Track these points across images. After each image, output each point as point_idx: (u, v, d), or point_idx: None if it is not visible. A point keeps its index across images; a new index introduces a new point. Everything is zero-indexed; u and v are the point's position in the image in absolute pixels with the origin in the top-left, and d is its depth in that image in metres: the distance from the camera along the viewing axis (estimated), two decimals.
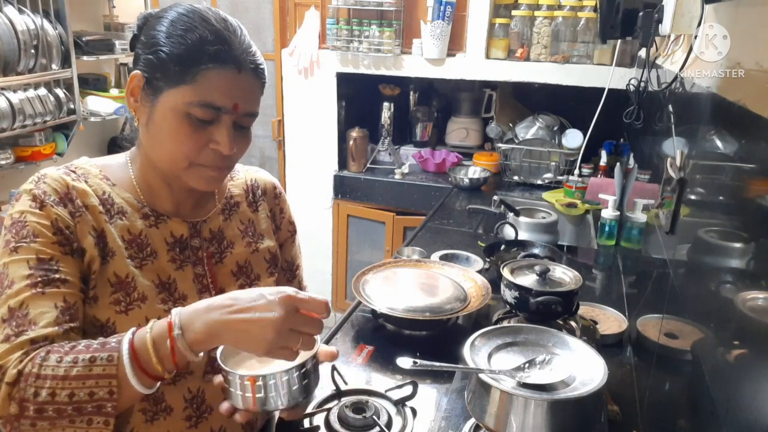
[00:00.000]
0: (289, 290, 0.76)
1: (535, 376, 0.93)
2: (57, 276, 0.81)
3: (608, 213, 2.08)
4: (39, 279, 0.80)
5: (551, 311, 1.23)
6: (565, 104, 2.90)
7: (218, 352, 0.85)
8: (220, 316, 0.75)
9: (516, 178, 2.87)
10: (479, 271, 1.67)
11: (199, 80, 0.83)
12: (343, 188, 3.21)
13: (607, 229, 2.09)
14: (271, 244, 1.10)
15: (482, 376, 0.92)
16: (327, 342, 1.44)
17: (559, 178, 2.77)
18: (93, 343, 0.76)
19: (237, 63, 0.84)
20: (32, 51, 2.38)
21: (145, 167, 0.94)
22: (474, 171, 2.98)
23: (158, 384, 0.79)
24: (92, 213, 0.87)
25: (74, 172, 0.90)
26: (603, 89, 2.48)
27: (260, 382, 0.81)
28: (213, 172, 0.89)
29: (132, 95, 0.88)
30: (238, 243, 1.03)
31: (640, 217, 1.85)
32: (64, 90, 2.56)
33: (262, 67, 0.90)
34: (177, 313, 0.76)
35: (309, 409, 1.15)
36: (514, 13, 2.75)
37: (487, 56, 2.83)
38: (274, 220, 1.15)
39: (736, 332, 0.76)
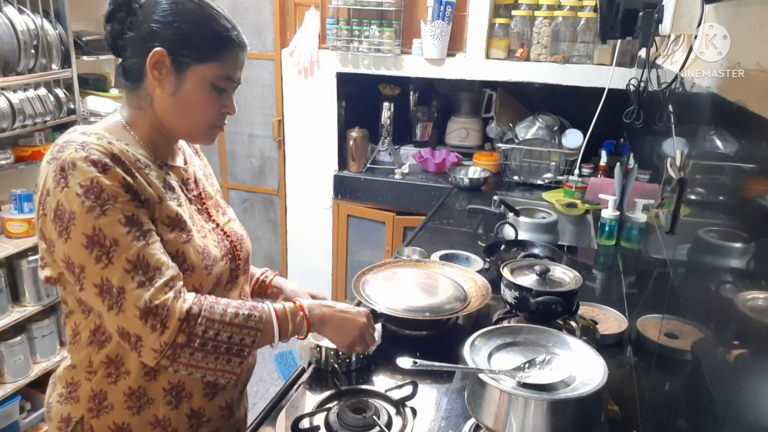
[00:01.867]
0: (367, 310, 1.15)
1: (535, 376, 0.93)
2: (146, 228, 0.94)
3: (608, 213, 2.08)
4: (138, 233, 0.92)
5: (551, 311, 1.23)
6: (565, 104, 2.90)
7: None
8: (329, 310, 1.10)
9: (516, 178, 2.87)
10: (479, 271, 1.67)
11: (224, 58, 1.02)
12: (343, 188, 3.21)
13: (607, 229, 2.09)
14: (218, 185, 1.27)
15: (482, 376, 0.92)
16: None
17: (559, 178, 2.77)
18: (244, 305, 0.99)
19: (244, 45, 1.06)
20: (32, 51, 2.37)
21: (150, 128, 1.04)
22: (474, 171, 2.98)
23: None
24: (136, 168, 0.97)
25: (96, 134, 0.96)
26: (603, 89, 2.48)
27: None
28: (219, 131, 1.09)
29: (155, 69, 0.98)
30: (206, 184, 1.18)
31: (640, 217, 1.85)
32: (64, 90, 2.56)
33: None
34: (305, 303, 1.08)
35: (309, 409, 1.15)
36: (514, 13, 2.74)
37: (487, 56, 2.82)
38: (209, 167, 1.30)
39: (736, 332, 0.76)
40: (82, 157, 0.91)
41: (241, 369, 0.99)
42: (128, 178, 0.93)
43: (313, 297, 1.32)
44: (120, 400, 1.02)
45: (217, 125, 1.07)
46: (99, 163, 0.91)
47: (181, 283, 0.95)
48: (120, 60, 1.03)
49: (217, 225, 1.13)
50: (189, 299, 0.93)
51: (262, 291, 1.34)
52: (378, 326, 1.26)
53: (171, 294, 0.91)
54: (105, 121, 1.04)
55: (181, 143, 1.16)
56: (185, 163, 1.13)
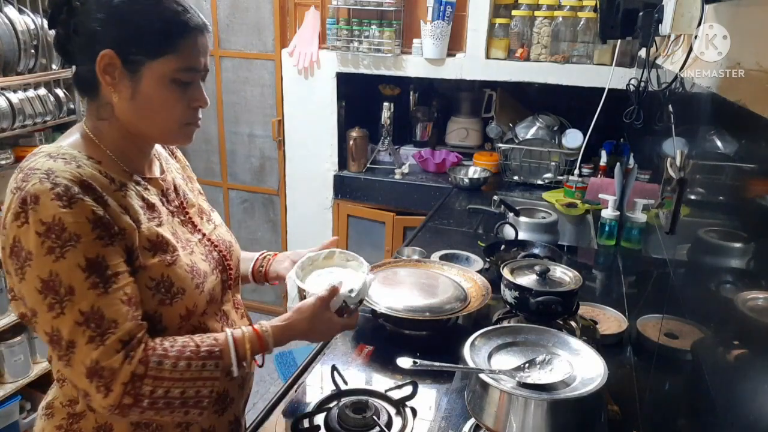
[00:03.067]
0: (340, 326, 1.10)
1: (535, 376, 0.93)
2: (109, 272, 0.86)
3: (608, 213, 2.08)
4: (97, 280, 0.84)
5: (551, 311, 1.23)
6: (565, 104, 2.90)
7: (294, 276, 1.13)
8: (299, 338, 1.04)
9: (516, 178, 2.87)
10: (479, 271, 1.67)
11: (179, 48, 0.90)
12: (343, 188, 3.21)
13: (607, 229, 2.09)
14: (199, 187, 1.19)
15: (482, 376, 0.92)
16: (327, 342, 1.44)
17: (559, 178, 2.77)
18: (200, 350, 0.92)
19: (200, 27, 0.94)
20: (32, 51, 2.37)
21: (118, 137, 0.95)
22: (474, 171, 2.98)
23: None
24: (109, 193, 0.89)
25: (67, 159, 0.88)
26: (603, 89, 2.48)
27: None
28: (195, 127, 0.99)
29: (106, 73, 0.89)
30: (186, 190, 1.11)
31: (640, 217, 1.85)
32: (64, 90, 2.56)
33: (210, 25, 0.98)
34: (271, 337, 1.00)
35: (309, 409, 1.15)
36: (514, 13, 2.74)
37: (487, 56, 2.82)
38: (188, 169, 1.21)
39: (736, 332, 0.76)
40: (46, 189, 0.82)
41: (202, 417, 0.94)
42: (98, 210, 0.85)
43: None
44: (126, 430, 0.97)
45: (190, 122, 0.97)
46: (65, 196, 0.82)
47: (140, 334, 0.87)
48: (74, 68, 0.94)
49: (204, 235, 1.06)
50: (136, 358, 0.85)
51: (262, 279, 1.27)
52: (364, 278, 1.14)
53: (120, 355, 0.84)
54: (71, 136, 0.95)
55: (157, 147, 1.08)
56: (162, 171, 1.05)
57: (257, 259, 1.27)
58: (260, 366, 1.06)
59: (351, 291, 1.09)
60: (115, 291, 0.86)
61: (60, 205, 0.82)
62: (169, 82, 0.91)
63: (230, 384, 1.06)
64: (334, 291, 1.07)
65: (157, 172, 1.04)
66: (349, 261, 1.24)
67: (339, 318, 1.08)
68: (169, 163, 1.11)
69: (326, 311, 1.06)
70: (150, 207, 0.96)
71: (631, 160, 2.35)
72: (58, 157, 0.88)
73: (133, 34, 0.89)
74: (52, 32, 0.94)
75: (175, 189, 1.06)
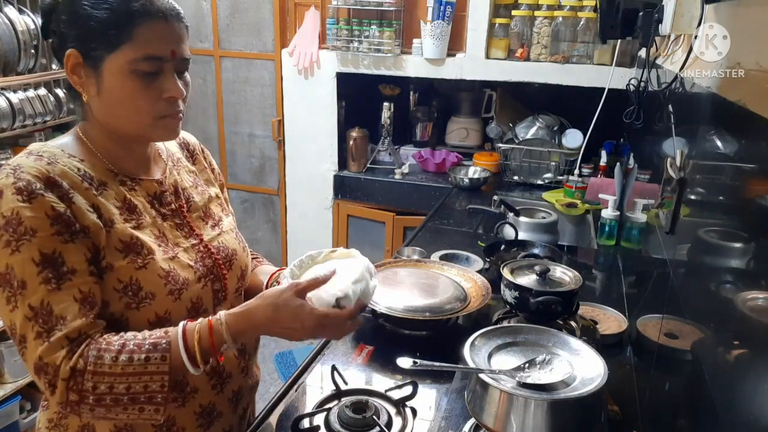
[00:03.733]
0: (316, 319, 0.92)
1: (535, 376, 0.93)
2: (64, 269, 0.84)
3: (608, 213, 2.08)
4: (50, 275, 0.83)
5: (551, 311, 1.23)
6: (565, 104, 2.90)
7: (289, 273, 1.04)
8: (265, 331, 0.94)
9: (516, 178, 2.87)
10: (479, 271, 1.67)
11: (135, 37, 0.88)
12: (343, 188, 3.21)
13: (607, 229, 2.09)
14: (217, 191, 1.16)
15: (482, 376, 0.92)
16: (327, 342, 1.44)
17: (559, 178, 2.77)
18: (144, 343, 0.86)
19: (162, 13, 0.90)
20: (32, 51, 2.38)
21: (103, 137, 0.96)
22: (474, 171, 2.98)
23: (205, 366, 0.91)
24: (79, 191, 0.89)
25: (42, 156, 0.89)
26: (603, 89, 2.48)
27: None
28: (173, 120, 0.95)
29: (74, 73, 0.91)
30: (194, 193, 1.09)
31: (640, 217, 1.85)
32: (64, 90, 2.56)
33: (182, 13, 0.95)
34: (224, 326, 0.89)
35: (309, 409, 1.15)
36: (514, 13, 2.74)
37: (487, 56, 2.82)
38: (212, 172, 1.20)
39: (736, 332, 0.76)
40: (9, 183, 0.83)
41: (162, 416, 0.88)
42: (59, 206, 0.84)
43: None
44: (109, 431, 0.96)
45: (167, 114, 0.93)
46: (25, 191, 0.83)
47: (93, 332, 0.86)
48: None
49: (201, 240, 1.03)
50: (77, 353, 0.83)
51: None
52: (371, 282, 1.03)
53: (63, 351, 0.82)
54: (65, 136, 0.97)
55: (171, 148, 1.09)
56: (163, 173, 1.04)
57: (273, 273, 1.21)
58: (217, 363, 0.99)
59: (343, 294, 0.95)
60: (69, 288, 0.85)
61: (19, 200, 0.83)
62: (130, 73, 0.89)
63: (218, 397, 1.04)
64: (316, 282, 0.96)
65: (157, 173, 1.03)
66: (351, 256, 1.14)
67: (321, 312, 0.93)
68: (179, 165, 1.09)
69: (299, 300, 0.92)
70: (130, 208, 0.95)
71: (631, 160, 2.35)
72: (33, 154, 0.89)
73: (89, 29, 0.88)
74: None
75: (176, 192, 1.05)
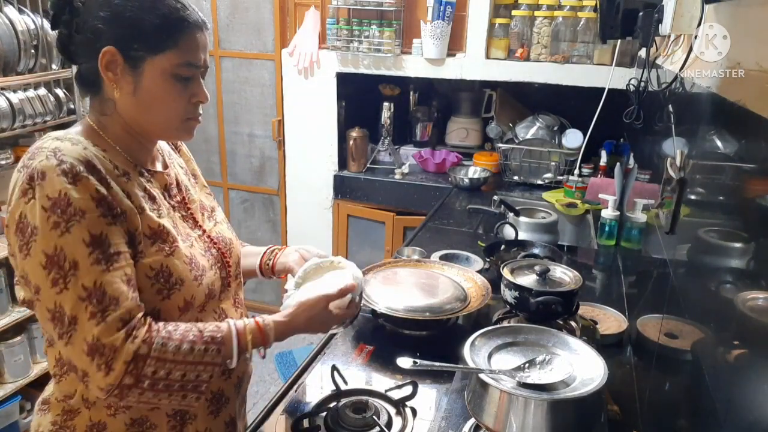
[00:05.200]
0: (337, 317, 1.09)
1: (535, 376, 0.93)
2: (111, 251, 0.87)
3: (608, 213, 2.08)
4: (100, 257, 0.85)
5: (551, 311, 1.23)
6: (565, 104, 2.90)
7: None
8: (299, 333, 1.06)
9: (516, 178, 2.87)
10: (479, 271, 1.67)
11: (180, 44, 0.93)
12: (343, 188, 3.21)
13: (607, 229, 2.09)
14: (203, 181, 1.20)
15: (482, 376, 0.92)
16: (327, 342, 1.45)
17: (559, 178, 2.77)
18: (203, 335, 0.93)
19: (200, 24, 0.96)
20: (32, 51, 2.38)
21: (121, 133, 0.97)
22: (474, 171, 2.98)
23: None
24: (113, 177, 0.91)
25: (78, 142, 0.90)
26: (603, 89, 2.48)
27: None
28: (195, 123, 1.01)
29: (108, 70, 0.92)
30: (189, 186, 1.11)
31: (640, 217, 1.85)
32: (64, 90, 2.56)
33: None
34: (273, 330, 1.01)
35: (309, 409, 1.15)
36: (514, 13, 2.74)
37: (487, 56, 2.82)
38: (194, 163, 1.22)
39: (736, 332, 0.76)
40: (52, 165, 0.84)
41: (199, 403, 0.95)
42: (102, 189, 0.87)
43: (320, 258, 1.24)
44: (120, 430, 0.97)
45: (191, 117, 0.99)
46: (70, 173, 0.84)
47: (140, 315, 0.89)
48: (76, 67, 0.97)
49: (204, 231, 1.07)
50: (139, 337, 0.86)
51: (270, 273, 1.28)
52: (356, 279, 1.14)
53: (122, 333, 0.85)
54: (78, 126, 0.98)
55: (160, 143, 1.09)
56: (165, 166, 1.07)
57: (265, 252, 1.28)
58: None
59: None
60: (117, 270, 0.87)
61: (66, 181, 0.84)
62: (170, 77, 0.93)
63: (226, 383, 1.06)
64: (344, 291, 1.09)
65: (160, 168, 1.05)
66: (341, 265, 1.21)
67: (334, 315, 1.09)
68: (171, 159, 1.11)
69: (327, 309, 1.07)
70: (151, 198, 0.98)
71: (631, 160, 2.35)
72: (65, 139, 0.90)
73: (134, 31, 0.91)
74: (54, 33, 0.96)
75: (178, 184, 1.07)
